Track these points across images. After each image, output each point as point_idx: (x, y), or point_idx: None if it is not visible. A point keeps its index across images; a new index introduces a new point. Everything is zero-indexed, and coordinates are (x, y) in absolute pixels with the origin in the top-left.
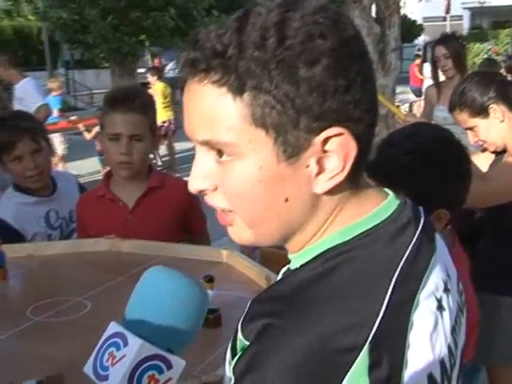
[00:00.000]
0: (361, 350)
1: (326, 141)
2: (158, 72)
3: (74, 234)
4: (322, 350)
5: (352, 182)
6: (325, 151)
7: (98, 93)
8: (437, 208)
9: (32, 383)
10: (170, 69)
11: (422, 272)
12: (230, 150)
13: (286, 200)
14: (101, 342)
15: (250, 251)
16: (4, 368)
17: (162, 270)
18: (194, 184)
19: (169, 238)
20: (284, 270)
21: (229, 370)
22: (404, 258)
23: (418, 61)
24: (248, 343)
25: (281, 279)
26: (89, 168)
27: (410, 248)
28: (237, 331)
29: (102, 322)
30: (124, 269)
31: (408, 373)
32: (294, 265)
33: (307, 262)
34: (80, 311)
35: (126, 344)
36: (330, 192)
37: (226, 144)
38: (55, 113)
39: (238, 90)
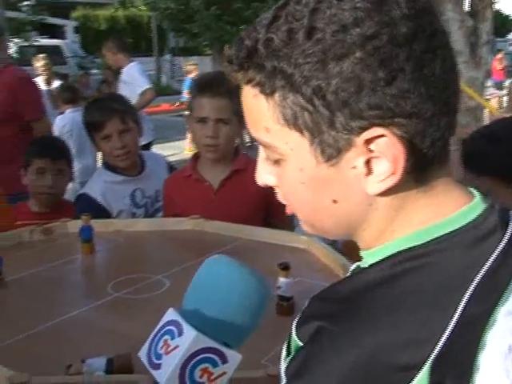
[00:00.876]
0: (420, 370)
1: (368, 142)
2: None
3: (159, 214)
4: (374, 364)
5: (419, 181)
6: (371, 151)
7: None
8: None
9: (102, 361)
10: None
11: (503, 286)
12: (274, 150)
13: (335, 201)
14: (157, 328)
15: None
16: (78, 342)
17: (223, 260)
18: (259, 179)
19: (251, 220)
20: (354, 266)
21: (283, 370)
22: (484, 269)
23: (499, 55)
24: (301, 344)
25: (344, 278)
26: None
27: (492, 258)
28: (292, 329)
29: (178, 302)
30: (205, 249)
31: None
32: (364, 262)
33: (375, 263)
34: (158, 289)
35: (180, 334)
36: (389, 192)
37: (267, 145)
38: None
39: (268, 91)
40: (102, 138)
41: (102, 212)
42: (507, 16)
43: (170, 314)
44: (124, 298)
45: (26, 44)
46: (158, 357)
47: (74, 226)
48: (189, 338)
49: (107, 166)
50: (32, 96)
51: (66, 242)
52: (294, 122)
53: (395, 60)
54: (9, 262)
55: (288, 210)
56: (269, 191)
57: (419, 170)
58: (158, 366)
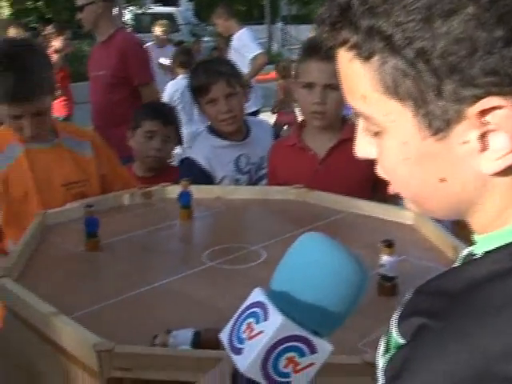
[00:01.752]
0: None
1: (483, 113)
2: None
3: (262, 181)
4: (485, 372)
5: None
6: (486, 123)
7: None
8: None
9: (189, 333)
10: None
11: None
12: (372, 122)
13: (442, 180)
14: (241, 309)
15: None
16: (166, 311)
17: (319, 238)
18: (358, 151)
19: (357, 192)
20: (465, 252)
21: (381, 366)
22: None
23: None
24: (402, 342)
25: (454, 269)
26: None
27: None
28: (391, 323)
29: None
30: (307, 221)
31: None
32: (477, 248)
33: (491, 252)
34: (254, 260)
35: (266, 318)
36: (508, 170)
37: (365, 115)
38: None
39: (365, 54)
40: (207, 102)
41: (205, 177)
42: None
43: (257, 295)
44: (218, 268)
45: (140, 12)
46: (241, 341)
47: (174, 190)
48: (275, 324)
49: (212, 130)
50: (142, 61)
51: (165, 206)
52: (394, 90)
53: None
54: (106, 225)
55: (390, 189)
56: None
57: None
58: (239, 351)
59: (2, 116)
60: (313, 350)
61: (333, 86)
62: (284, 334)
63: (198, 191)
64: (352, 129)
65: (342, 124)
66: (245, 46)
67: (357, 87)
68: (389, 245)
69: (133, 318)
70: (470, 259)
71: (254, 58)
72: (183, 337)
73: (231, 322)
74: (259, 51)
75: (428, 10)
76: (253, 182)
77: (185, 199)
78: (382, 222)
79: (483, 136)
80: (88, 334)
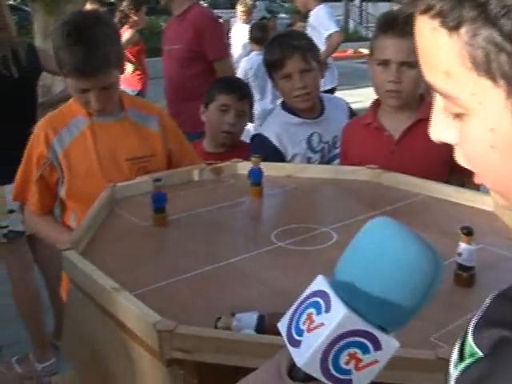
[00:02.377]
0: None
1: None
2: None
3: (335, 161)
4: None
5: None
6: None
7: None
8: None
9: (253, 317)
10: None
11: None
12: (454, 102)
13: None
14: (302, 298)
15: None
16: (231, 291)
17: (390, 225)
18: (433, 134)
19: (433, 175)
20: None
21: (455, 376)
22: None
23: None
24: (479, 352)
25: None
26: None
27: None
28: (468, 329)
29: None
30: (380, 203)
31: None
32: None
33: None
34: (324, 242)
35: (328, 309)
36: None
37: (447, 94)
38: None
39: (453, 23)
40: (281, 77)
41: (276, 154)
42: None
43: (319, 283)
44: (287, 249)
45: None
46: (299, 333)
47: (244, 167)
48: (337, 317)
49: (285, 107)
50: (217, 35)
51: (235, 183)
52: (485, 67)
53: None
54: (174, 200)
55: (475, 179)
56: None
57: None
58: (297, 344)
59: (70, 89)
60: (377, 347)
61: (410, 63)
62: (347, 327)
63: (268, 168)
64: (430, 108)
65: (419, 103)
66: (321, 24)
67: (439, 61)
68: (467, 232)
69: (197, 297)
70: None
71: (330, 36)
72: (247, 320)
73: (290, 311)
74: (335, 29)
75: None
76: (325, 161)
77: (255, 176)
78: (459, 207)
79: None
80: (150, 312)
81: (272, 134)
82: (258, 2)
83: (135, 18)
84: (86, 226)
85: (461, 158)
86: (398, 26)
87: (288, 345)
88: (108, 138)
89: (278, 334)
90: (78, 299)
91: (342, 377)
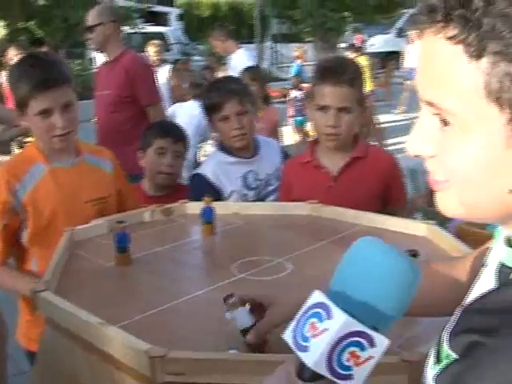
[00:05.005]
0: None
1: None
2: (356, 48)
3: (270, 197)
4: None
5: None
6: None
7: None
8: None
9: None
10: (372, 44)
11: None
12: (454, 120)
13: (511, 191)
14: (303, 311)
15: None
16: (209, 320)
17: (377, 242)
18: (413, 146)
19: (369, 207)
20: (496, 264)
21: (431, 376)
22: None
23: None
24: (453, 355)
25: (497, 288)
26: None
27: None
28: (441, 337)
29: (304, 285)
30: (324, 234)
31: None
32: (510, 260)
33: None
34: (282, 272)
35: (329, 317)
36: None
37: (450, 112)
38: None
39: (475, 53)
40: (220, 120)
41: (214, 191)
42: None
43: (317, 297)
44: (249, 280)
45: (132, 31)
46: (305, 339)
47: (193, 207)
48: (339, 321)
49: (221, 147)
50: (149, 81)
51: (186, 222)
52: (497, 96)
53: None
54: (133, 240)
55: (436, 186)
56: (388, 178)
57: None
58: (305, 349)
59: (32, 125)
60: (372, 344)
61: (346, 109)
62: (347, 329)
63: (217, 207)
64: (363, 148)
65: (354, 142)
66: (244, 66)
67: (454, 83)
68: (414, 255)
69: (176, 326)
70: (508, 276)
71: None
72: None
73: (293, 323)
74: None
75: None
76: (260, 198)
77: (208, 215)
78: (395, 233)
79: None
80: (139, 341)
81: (210, 172)
82: (172, 46)
83: None
84: (52, 269)
85: (436, 170)
86: (336, 74)
87: (297, 351)
88: (68, 181)
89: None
90: (54, 338)
91: (344, 372)
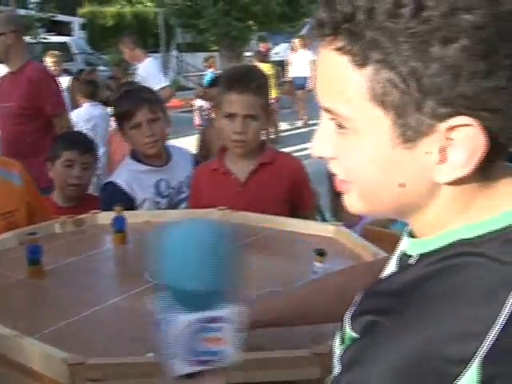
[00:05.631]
0: (470, 364)
1: (451, 129)
2: (262, 56)
3: (182, 205)
4: (428, 355)
5: (484, 174)
6: (450, 139)
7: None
8: None
9: None
10: (276, 52)
11: None
12: (348, 124)
13: (402, 185)
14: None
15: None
16: (125, 326)
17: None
18: (316, 150)
19: (278, 211)
20: (399, 253)
21: (337, 357)
22: None
23: None
24: (354, 335)
25: (394, 273)
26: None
27: None
28: (344, 321)
29: None
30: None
31: None
32: (410, 250)
33: (425, 254)
34: None
35: (170, 323)
36: (455, 182)
37: (343, 117)
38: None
39: (360, 62)
40: (131, 127)
41: (127, 199)
42: None
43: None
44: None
45: (34, 41)
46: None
47: (104, 217)
48: (180, 324)
49: (133, 156)
50: (54, 91)
51: (97, 232)
52: (381, 99)
53: (497, 54)
54: (45, 252)
55: (341, 186)
56: (295, 183)
57: (488, 165)
58: (170, 358)
59: None
60: (221, 320)
61: (253, 116)
62: (191, 325)
63: (128, 216)
64: (270, 154)
65: (261, 149)
66: (151, 76)
67: (344, 90)
68: (321, 253)
69: (92, 334)
70: (406, 262)
71: (161, 90)
72: None
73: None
74: (165, 84)
75: (429, 35)
76: (172, 205)
77: (119, 224)
78: (304, 235)
79: (443, 150)
80: (56, 350)
81: (122, 180)
82: (76, 56)
83: None
84: None
85: (337, 169)
86: (242, 82)
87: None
88: None
89: None
90: None
91: (211, 358)
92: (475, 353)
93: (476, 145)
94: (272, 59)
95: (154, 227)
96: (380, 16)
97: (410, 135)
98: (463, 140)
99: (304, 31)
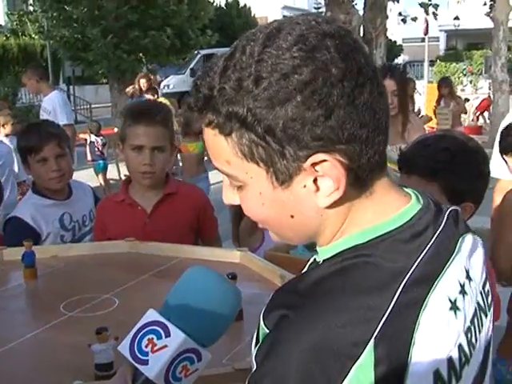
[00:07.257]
0: (366, 345)
1: (314, 165)
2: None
3: (86, 237)
4: (330, 341)
5: (361, 190)
6: (317, 171)
7: (97, 107)
8: (464, 201)
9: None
10: (165, 84)
11: (435, 274)
12: (234, 180)
13: (292, 216)
14: (139, 326)
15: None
16: (45, 358)
17: (205, 269)
18: (226, 199)
19: (183, 240)
20: (312, 260)
21: (253, 356)
22: (417, 262)
23: None
24: (267, 330)
25: (301, 274)
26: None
27: (424, 252)
28: (259, 320)
29: (134, 316)
30: (145, 269)
31: (412, 369)
32: (320, 256)
33: (328, 259)
34: (110, 307)
35: (167, 335)
36: (336, 203)
37: (229, 175)
38: None
39: (226, 131)
40: (37, 161)
41: (32, 233)
42: (395, 42)
43: (152, 315)
44: (79, 317)
45: None
46: (144, 354)
47: (9, 253)
48: (177, 340)
49: (36, 190)
50: None
51: (5, 269)
52: (251, 156)
53: (330, 98)
54: None
55: (259, 225)
56: (199, 213)
57: (360, 182)
58: (144, 362)
59: None
60: (199, 359)
61: (160, 148)
62: (184, 347)
63: (36, 252)
64: (174, 184)
65: (165, 180)
66: (55, 110)
67: (221, 154)
68: (232, 277)
69: (14, 368)
70: (313, 266)
71: (65, 126)
72: None
73: (129, 338)
74: (67, 122)
75: (270, 100)
76: (76, 239)
77: (29, 259)
78: (213, 262)
79: (315, 181)
80: None
81: (26, 214)
82: None
83: None
84: None
85: (248, 213)
86: (149, 115)
87: (134, 363)
88: None
89: None
90: None
91: (176, 383)
92: (370, 336)
93: (338, 173)
94: (164, 91)
95: (64, 262)
96: (230, 93)
97: (283, 178)
98: (327, 171)
99: (192, 64)
